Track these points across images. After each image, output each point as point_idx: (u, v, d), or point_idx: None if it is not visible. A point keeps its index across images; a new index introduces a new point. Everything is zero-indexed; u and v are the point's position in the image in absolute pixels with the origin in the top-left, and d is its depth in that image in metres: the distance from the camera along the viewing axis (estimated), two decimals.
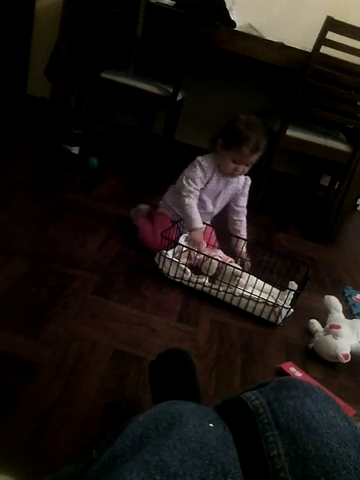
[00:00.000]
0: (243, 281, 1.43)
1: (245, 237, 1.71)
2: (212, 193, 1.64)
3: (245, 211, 1.73)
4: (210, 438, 0.45)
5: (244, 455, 0.47)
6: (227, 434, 0.49)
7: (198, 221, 1.57)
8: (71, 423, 0.85)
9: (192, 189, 1.57)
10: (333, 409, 0.50)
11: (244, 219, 1.73)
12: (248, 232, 1.75)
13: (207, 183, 1.61)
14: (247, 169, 1.60)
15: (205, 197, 1.64)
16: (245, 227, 1.73)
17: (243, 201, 1.71)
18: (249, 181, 1.69)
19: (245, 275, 1.43)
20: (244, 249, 1.68)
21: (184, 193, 1.58)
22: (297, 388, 0.53)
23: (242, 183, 1.68)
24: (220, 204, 1.70)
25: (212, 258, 1.46)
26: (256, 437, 0.49)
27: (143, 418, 0.49)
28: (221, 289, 1.41)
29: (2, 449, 0.76)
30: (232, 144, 1.51)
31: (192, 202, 1.57)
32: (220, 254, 1.56)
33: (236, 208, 1.71)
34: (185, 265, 1.45)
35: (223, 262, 1.47)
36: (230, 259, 1.55)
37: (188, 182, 1.58)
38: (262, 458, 0.47)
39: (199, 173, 1.58)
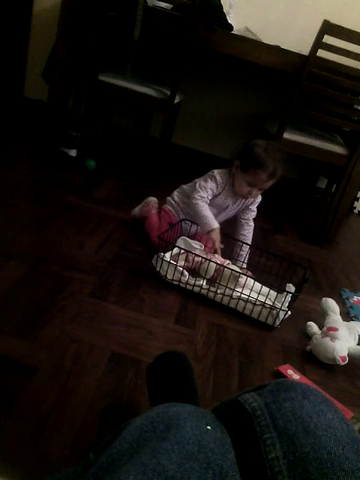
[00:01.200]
0: (242, 281, 1.43)
1: (247, 250, 1.70)
2: (218, 207, 1.67)
3: (252, 224, 1.74)
4: (208, 441, 0.45)
5: (242, 457, 0.47)
6: (225, 436, 0.49)
7: (214, 220, 1.57)
8: (69, 426, 0.84)
9: (204, 195, 1.59)
10: (331, 411, 0.50)
11: (249, 235, 1.73)
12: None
13: (215, 196, 1.63)
14: (259, 193, 1.62)
15: (211, 209, 1.65)
16: (250, 239, 1.73)
17: (250, 215, 1.73)
18: (259, 199, 1.70)
19: (243, 276, 1.43)
20: (244, 262, 1.70)
21: (196, 196, 1.59)
22: (295, 390, 0.53)
23: (251, 200, 1.69)
24: (224, 217, 1.72)
25: (210, 260, 1.46)
26: (254, 439, 0.49)
27: (140, 421, 0.49)
28: (218, 291, 1.41)
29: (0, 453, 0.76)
30: (249, 168, 1.53)
31: (204, 204, 1.59)
32: (218, 257, 1.56)
33: (242, 220, 1.73)
34: (183, 267, 1.45)
35: (221, 264, 1.47)
36: (227, 261, 1.55)
37: (200, 189, 1.60)
38: (260, 460, 0.47)
39: (212, 185, 1.61)
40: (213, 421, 0.51)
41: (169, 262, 1.43)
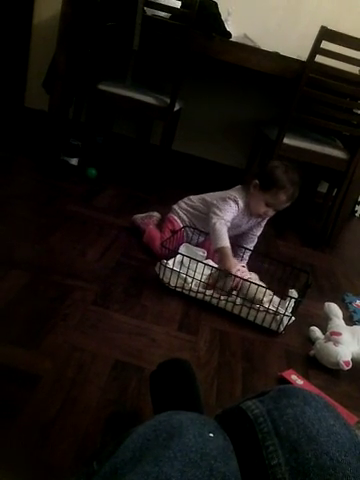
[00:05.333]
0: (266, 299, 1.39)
1: (246, 261, 1.73)
2: (232, 225, 1.67)
3: (256, 240, 1.77)
4: (210, 448, 0.45)
5: (245, 465, 0.47)
6: (227, 444, 0.49)
7: (227, 239, 1.54)
8: (72, 435, 0.84)
9: (229, 219, 1.57)
10: (333, 417, 0.50)
11: (252, 247, 1.76)
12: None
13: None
14: (273, 213, 1.64)
15: None
16: (249, 254, 1.75)
17: (258, 231, 1.75)
18: (273, 213, 1.70)
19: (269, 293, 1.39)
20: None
21: (222, 220, 1.55)
22: (297, 396, 0.53)
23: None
24: (235, 233, 1.72)
25: (246, 280, 1.42)
26: (256, 446, 0.49)
27: (143, 429, 0.49)
28: (222, 298, 1.41)
29: (3, 462, 0.76)
30: (270, 188, 1.55)
31: (225, 228, 1.55)
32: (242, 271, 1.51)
33: (250, 235, 1.75)
34: (206, 283, 1.43)
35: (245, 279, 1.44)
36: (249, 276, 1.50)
37: (222, 213, 1.57)
38: (263, 467, 0.47)
39: (234, 209, 1.59)
40: (215, 428, 0.51)
41: (172, 269, 1.43)
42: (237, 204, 1.60)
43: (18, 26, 2.59)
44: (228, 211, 1.58)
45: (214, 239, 1.54)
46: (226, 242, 1.52)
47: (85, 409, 0.91)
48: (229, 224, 1.58)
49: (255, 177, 1.60)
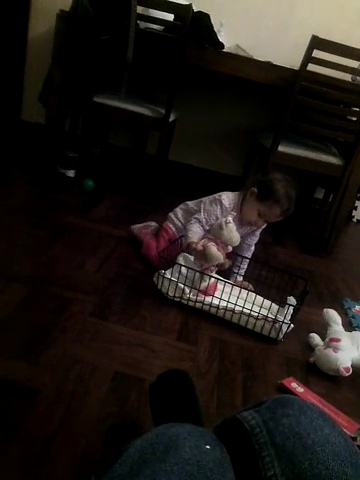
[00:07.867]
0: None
1: (244, 269, 1.72)
2: None
3: (252, 248, 1.74)
4: (207, 460, 0.46)
5: (242, 476, 0.47)
6: (224, 456, 0.49)
7: (196, 236, 1.54)
8: (73, 448, 0.84)
9: (202, 219, 1.58)
10: (328, 426, 0.50)
11: (249, 256, 1.74)
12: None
13: None
14: (265, 224, 1.64)
15: None
16: (247, 262, 1.73)
17: (252, 240, 1.73)
18: (264, 225, 1.69)
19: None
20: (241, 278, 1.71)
21: (196, 217, 1.59)
22: (292, 406, 0.53)
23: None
24: None
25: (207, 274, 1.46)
26: (253, 457, 0.49)
27: (140, 442, 0.49)
28: (221, 306, 1.41)
29: (3, 477, 0.76)
30: (266, 199, 1.55)
31: (198, 226, 1.57)
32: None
33: (245, 244, 1.72)
34: (205, 290, 1.43)
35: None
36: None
37: (203, 212, 1.59)
38: (259, 478, 0.47)
39: (218, 211, 1.60)
40: (212, 440, 0.51)
41: (170, 279, 1.43)
42: (221, 205, 1.59)
43: (13, 40, 2.62)
44: (208, 212, 1.59)
45: (186, 238, 1.56)
46: (191, 238, 1.52)
47: (85, 422, 0.91)
48: (205, 224, 1.58)
49: (254, 185, 1.59)
